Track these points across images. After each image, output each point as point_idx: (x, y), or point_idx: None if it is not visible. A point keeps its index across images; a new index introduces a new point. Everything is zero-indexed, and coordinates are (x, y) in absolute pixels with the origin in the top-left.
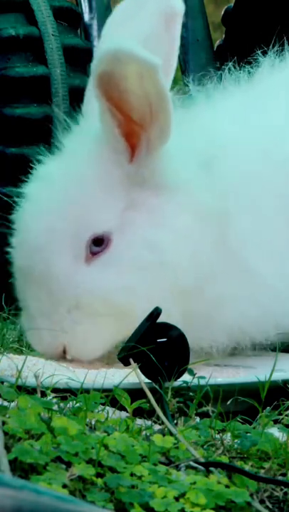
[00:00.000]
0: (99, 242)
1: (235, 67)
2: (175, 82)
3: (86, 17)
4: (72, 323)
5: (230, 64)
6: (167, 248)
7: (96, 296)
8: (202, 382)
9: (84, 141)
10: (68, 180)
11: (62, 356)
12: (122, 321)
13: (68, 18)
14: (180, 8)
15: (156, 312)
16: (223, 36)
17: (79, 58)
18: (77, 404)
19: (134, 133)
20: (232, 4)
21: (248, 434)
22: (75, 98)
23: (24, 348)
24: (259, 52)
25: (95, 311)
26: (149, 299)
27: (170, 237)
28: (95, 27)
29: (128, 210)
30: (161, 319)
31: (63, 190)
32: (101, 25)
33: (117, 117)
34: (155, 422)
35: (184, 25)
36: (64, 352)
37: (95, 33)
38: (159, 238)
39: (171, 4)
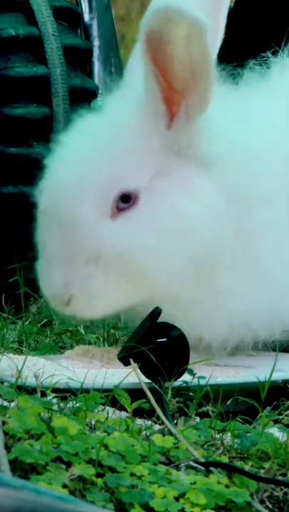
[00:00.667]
0: (126, 199)
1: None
2: None
3: (86, 17)
4: (86, 276)
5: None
6: (192, 218)
7: (116, 251)
8: (202, 382)
9: (125, 102)
10: (107, 134)
11: (64, 307)
12: (134, 284)
13: (68, 18)
14: None
15: (157, 312)
16: (223, 36)
17: (79, 58)
18: (77, 404)
19: (174, 100)
20: (232, 4)
21: (248, 434)
22: (75, 98)
23: (24, 348)
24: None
25: (112, 267)
26: (166, 266)
27: (197, 208)
28: (95, 27)
29: (160, 175)
30: (173, 290)
31: (100, 142)
32: (101, 25)
33: (161, 82)
34: (155, 422)
35: None
36: (67, 303)
37: (95, 33)
38: (186, 207)
39: None
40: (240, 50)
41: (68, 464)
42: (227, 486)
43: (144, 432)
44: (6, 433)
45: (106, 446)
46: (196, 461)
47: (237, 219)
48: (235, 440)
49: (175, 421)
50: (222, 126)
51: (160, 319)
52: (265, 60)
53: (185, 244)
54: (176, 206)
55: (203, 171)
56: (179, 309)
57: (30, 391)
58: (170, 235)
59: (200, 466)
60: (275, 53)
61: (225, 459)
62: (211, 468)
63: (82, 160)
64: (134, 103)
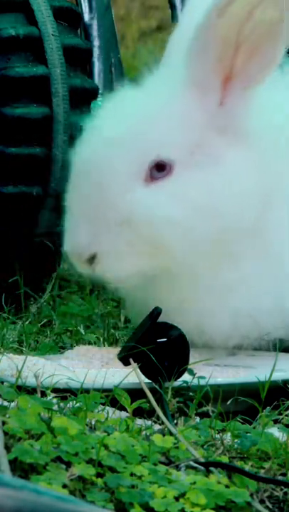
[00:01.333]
0: (161, 168)
1: None
2: None
3: (86, 17)
4: (112, 235)
5: None
6: (223, 197)
7: (145, 218)
8: (202, 382)
9: (171, 78)
10: (152, 102)
11: (86, 266)
12: (156, 252)
13: (68, 18)
14: None
15: (157, 312)
16: None
17: (79, 58)
18: (77, 404)
19: (232, 70)
20: None
21: (248, 434)
22: (75, 98)
23: (24, 348)
24: None
25: (138, 232)
26: (190, 239)
27: (229, 188)
28: (95, 27)
29: (197, 151)
30: (192, 263)
31: (144, 108)
32: (101, 25)
33: (224, 49)
34: (155, 422)
35: None
36: (89, 262)
37: (95, 33)
38: (219, 186)
39: None
40: None
41: (68, 464)
42: (227, 486)
43: (144, 432)
44: (6, 433)
45: (106, 446)
46: (196, 461)
47: (262, 210)
48: (235, 440)
49: (175, 421)
50: (270, 106)
51: (161, 319)
52: None
53: (211, 220)
54: (209, 183)
55: (242, 150)
56: (192, 286)
57: (30, 391)
58: (199, 210)
59: (200, 466)
60: None
61: (225, 459)
62: (211, 468)
63: (123, 123)
64: (182, 78)
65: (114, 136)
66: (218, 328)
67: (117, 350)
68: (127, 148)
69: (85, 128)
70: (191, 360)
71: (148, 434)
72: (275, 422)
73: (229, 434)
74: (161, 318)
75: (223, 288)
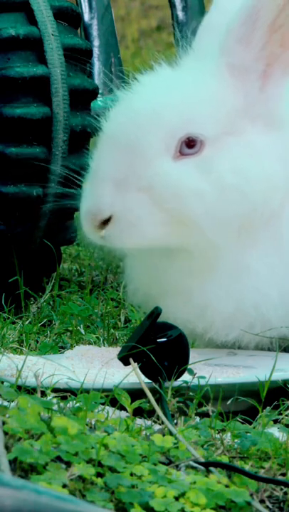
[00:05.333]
0: (191, 145)
1: None
2: None
3: (86, 17)
4: (133, 200)
5: None
6: (250, 179)
7: (170, 191)
8: (202, 382)
9: (200, 66)
10: (185, 79)
11: (99, 229)
12: (177, 224)
13: (68, 18)
14: None
15: (157, 312)
16: None
17: (79, 58)
18: (77, 404)
19: (277, 54)
20: None
21: (248, 434)
22: (75, 98)
23: (24, 348)
24: None
25: (162, 202)
26: (213, 216)
27: (256, 171)
28: (95, 27)
29: (229, 133)
30: (211, 240)
31: (177, 85)
32: (101, 25)
33: (272, 33)
34: (155, 422)
35: (184, 25)
36: (104, 223)
37: (95, 33)
38: (247, 168)
39: None
40: None
41: (68, 464)
42: (227, 486)
43: (144, 432)
44: (6, 433)
45: (106, 446)
46: (196, 461)
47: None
48: (235, 440)
49: (175, 421)
50: None
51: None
52: None
53: (239, 200)
54: (238, 165)
55: (272, 135)
56: (206, 266)
57: (30, 391)
58: (227, 188)
59: (200, 466)
60: None
61: (225, 459)
62: (211, 468)
63: (158, 96)
64: (220, 61)
65: (148, 107)
66: (220, 314)
67: (117, 350)
68: (159, 121)
69: (122, 97)
70: (191, 360)
71: (148, 434)
72: (275, 422)
73: (229, 434)
74: (163, 298)
75: (234, 272)
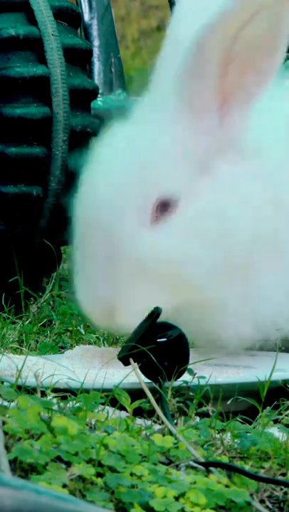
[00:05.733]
0: (165, 206)
1: None
2: None
3: (86, 17)
4: (129, 287)
5: None
6: (235, 220)
7: (159, 260)
8: (202, 382)
9: (158, 110)
10: (141, 142)
11: (107, 320)
12: (176, 289)
13: (68, 18)
14: None
15: (157, 312)
16: None
17: (79, 58)
18: (77, 404)
19: (230, 88)
20: None
21: (248, 434)
22: (75, 98)
23: (24, 348)
24: None
25: (155, 275)
26: (207, 269)
27: (239, 209)
28: (95, 27)
29: (199, 177)
30: (212, 292)
31: (136, 150)
32: (101, 25)
33: (221, 68)
34: (155, 422)
35: None
36: (110, 316)
37: (95, 33)
38: (227, 208)
39: None
40: None
41: (68, 464)
42: (227, 486)
43: (144, 432)
44: (6, 433)
45: (106, 446)
46: (196, 461)
47: (276, 220)
48: (235, 440)
49: (175, 421)
50: (264, 115)
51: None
52: None
53: (226, 244)
54: (217, 206)
55: (246, 166)
56: (210, 309)
57: (30, 391)
58: (211, 235)
59: (200, 466)
60: None
61: (225, 459)
62: (211, 468)
63: (118, 169)
64: (173, 105)
65: (115, 184)
66: (242, 340)
67: (117, 350)
68: (128, 195)
69: (84, 178)
70: (191, 360)
71: (148, 434)
72: (275, 422)
73: (229, 434)
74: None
75: (247, 301)
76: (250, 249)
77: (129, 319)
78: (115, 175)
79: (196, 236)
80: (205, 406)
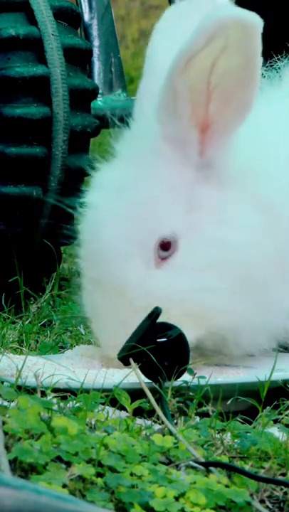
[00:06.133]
0: (166, 246)
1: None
2: None
3: (86, 17)
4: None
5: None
6: (236, 245)
7: (171, 300)
8: (202, 382)
9: (141, 144)
10: (129, 186)
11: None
12: (195, 324)
13: (68, 18)
14: None
15: (157, 312)
16: None
17: (79, 58)
18: (77, 404)
19: (206, 122)
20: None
21: (248, 434)
22: (75, 98)
23: (24, 348)
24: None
25: (171, 315)
26: (221, 297)
27: (238, 234)
28: (95, 27)
29: (192, 211)
30: (232, 319)
31: (125, 196)
32: (101, 25)
33: (195, 103)
34: (155, 422)
35: None
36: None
37: (95, 33)
38: (227, 235)
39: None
40: None
41: (68, 464)
42: (227, 486)
43: (144, 432)
44: (6, 433)
45: (106, 446)
46: (196, 461)
47: (275, 234)
48: (235, 440)
49: (175, 421)
50: (247, 138)
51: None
52: (273, 64)
53: (238, 273)
54: (216, 237)
55: (234, 191)
56: (229, 331)
57: (30, 391)
58: (218, 267)
59: (200, 466)
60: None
61: (225, 459)
62: (211, 468)
63: (113, 219)
64: (151, 142)
65: (112, 236)
66: (258, 349)
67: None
68: (127, 245)
69: (81, 230)
70: (191, 360)
71: (148, 433)
72: (275, 421)
73: (229, 434)
74: None
75: (260, 315)
76: (260, 273)
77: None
78: (117, 222)
79: (203, 268)
80: (205, 406)
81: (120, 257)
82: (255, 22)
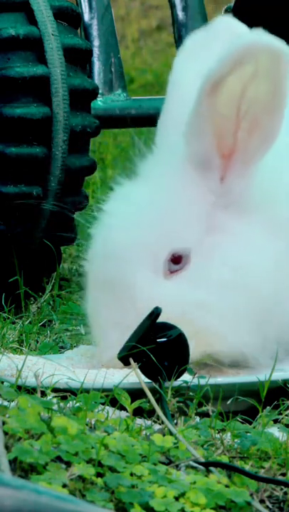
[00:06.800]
0: (177, 260)
1: None
2: None
3: (86, 17)
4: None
5: None
6: (251, 271)
7: (175, 310)
8: (202, 381)
9: (166, 163)
10: (150, 198)
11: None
12: (198, 339)
13: (68, 18)
14: None
15: (157, 312)
16: None
17: (79, 58)
18: (77, 404)
19: (230, 149)
20: (232, 4)
21: (248, 434)
22: (75, 98)
23: (24, 348)
24: None
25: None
26: (226, 320)
27: (250, 258)
28: (95, 27)
29: (209, 230)
30: (239, 344)
31: (144, 207)
32: (101, 25)
33: (222, 127)
34: (155, 422)
35: (184, 25)
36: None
37: (95, 33)
38: (243, 260)
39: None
40: None
41: (68, 464)
42: (227, 486)
43: (144, 432)
44: (6, 433)
45: (106, 446)
46: (196, 461)
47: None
48: (235, 440)
49: (175, 421)
50: (268, 165)
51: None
52: None
53: (246, 297)
54: (229, 258)
55: (255, 220)
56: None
57: (30, 391)
58: (227, 287)
59: (200, 466)
60: None
61: (225, 459)
62: (211, 468)
63: (131, 225)
64: (176, 165)
65: (131, 237)
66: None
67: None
68: (140, 251)
69: (95, 233)
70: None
71: (148, 433)
72: (275, 421)
73: (229, 433)
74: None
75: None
76: (269, 300)
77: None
78: (131, 229)
79: (210, 286)
80: (205, 406)
81: (131, 261)
82: (284, 50)
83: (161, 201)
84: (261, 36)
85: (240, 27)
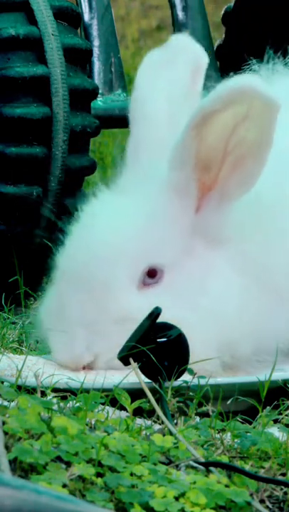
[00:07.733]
0: (153, 274)
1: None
2: None
3: (86, 17)
4: (112, 334)
5: None
6: (217, 296)
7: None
8: (202, 381)
9: (152, 182)
10: (137, 210)
11: (82, 368)
12: None
13: (68, 18)
14: (206, 60)
15: (157, 312)
16: (223, 36)
17: (79, 58)
18: (77, 404)
19: (208, 184)
20: (232, 4)
21: (248, 434)
22: (75, 98)
23: (24, 348)
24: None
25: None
26: (192, 337)
27: (220, 288)
28: (95, 27)
29: (185, 254)
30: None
31: (132, 216)
32: (101, 25)
33: (207, 160)
34: (155, 422)
35: (184, 25)
36: (88, 367)
37: (95, 33)
38: (210, 287)
39: (198, 56)
40: (240, 50)
41: (68, 464)
42: (227, 486)
43: (144, 432)
44: (6, 433)
45: (106, 446)
46: (196, 461)
47: (257, 297)
48: (235, 440)
49: (175, 421)
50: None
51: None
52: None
53: (207, 317)
54: (199, 282)
55: (228, 252)
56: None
57: (30, 391)
58: (192, 308)
59: (200, 466)
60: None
61: (225, 459)
62: (211, 468)
63: (113, 228)
64: (159, 183)
65: (108, 242)
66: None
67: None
68: (121, 255)
69: (73, 232)
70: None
71: (148, 433)
72: (275, 421)
73: (229, 433)
74: None
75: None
76: (237, 324)
77: (107, 366)
78: (116, 234)
79: (179, 308)
80: (205, 406)
81: (113, 264)
82: (278, 103)
83: (146, 213)
84: (260, 82)
85: (196, 47)
